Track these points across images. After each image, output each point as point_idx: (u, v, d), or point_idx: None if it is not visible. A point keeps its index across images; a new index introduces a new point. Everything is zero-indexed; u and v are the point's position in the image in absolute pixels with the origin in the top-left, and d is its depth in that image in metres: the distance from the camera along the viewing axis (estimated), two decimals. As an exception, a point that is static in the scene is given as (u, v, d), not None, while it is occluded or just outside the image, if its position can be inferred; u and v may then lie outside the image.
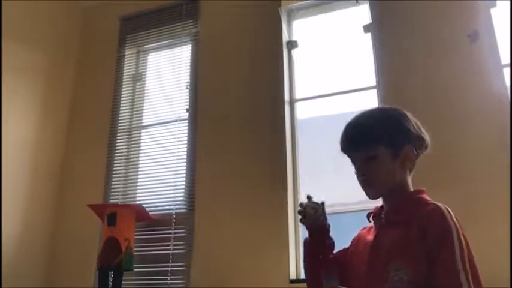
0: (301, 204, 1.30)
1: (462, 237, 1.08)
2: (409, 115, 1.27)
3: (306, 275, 1.37)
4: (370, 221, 1.30)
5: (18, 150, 3.22)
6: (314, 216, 1.26)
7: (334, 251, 1.33)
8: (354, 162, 1.27)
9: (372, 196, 1.25)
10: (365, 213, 1.34)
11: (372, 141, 1.22)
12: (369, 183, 1.23)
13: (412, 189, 1.25)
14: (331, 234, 1.33)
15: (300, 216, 1.30)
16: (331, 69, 3.33)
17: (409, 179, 1.26)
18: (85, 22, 3.95)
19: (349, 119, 1.31)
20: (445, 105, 2.59)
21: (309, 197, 1.30)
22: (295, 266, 2.71)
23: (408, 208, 1.19)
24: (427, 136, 1.27)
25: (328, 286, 1.06)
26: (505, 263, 2.11)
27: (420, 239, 1.09)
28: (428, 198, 1.22)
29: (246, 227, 2.83)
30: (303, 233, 2.80)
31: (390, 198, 1.25)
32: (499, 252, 2.15)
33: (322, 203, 1.28)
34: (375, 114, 1.30)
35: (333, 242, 1.33)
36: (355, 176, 1.28)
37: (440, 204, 1.14)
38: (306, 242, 1.35)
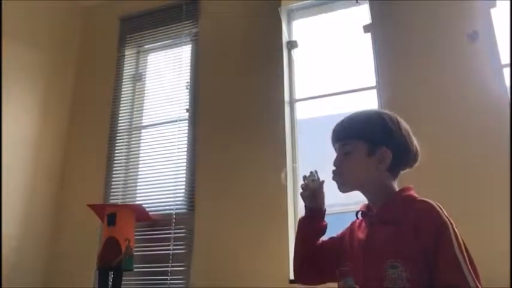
0: (305, 177, 1.38)
1: (456, 230, 1.10)
2: (401, 122, 1.28)
3: (295, 249, 1.42)
4: (358, 218, 1.32)
5: (18, 150, 3.22)
6: (314, 184, 1.35)
7: (324, 238, 1.39)
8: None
9: (342, 188, 1.28)
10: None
11: (350, 134, 1.26)
12: (338, 174, 1.27)
13: (396, 186, 1.26)
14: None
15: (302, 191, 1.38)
16: (331, 69, 3.33)
17: (392, 182, 1.26)
18: (85, 22, 3.95)
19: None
20: (445, 105, 2.59)
21: (311, 173, 1.38)
22: (295, 266, 2.70)
23: (398, 206, 1.20)
24: (415, 148, 1.27)
25: (346, 286, 1.08)
26: (504, 263, 2.11)
27: (415, 236, 1.10)
28: (416, 195, 1.22)
29: (246, 227, 2.83)
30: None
31: (373, 197, 1.26)
32: (499, 252, 2.15)
33: (316, 171, 1.37)
34: (364, 113, 1.32)
35: (326, 225, 1.39)
36: None
37: (430, 201, 1.15)
38: (300, 221, 1.41)
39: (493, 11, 2.68)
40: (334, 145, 1.32)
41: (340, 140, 1.28)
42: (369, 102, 2.91)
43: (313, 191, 1.36)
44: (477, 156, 2.44)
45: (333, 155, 1.31)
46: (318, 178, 1.36)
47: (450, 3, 2.74)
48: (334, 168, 1.28)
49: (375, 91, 2.86)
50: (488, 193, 2.35)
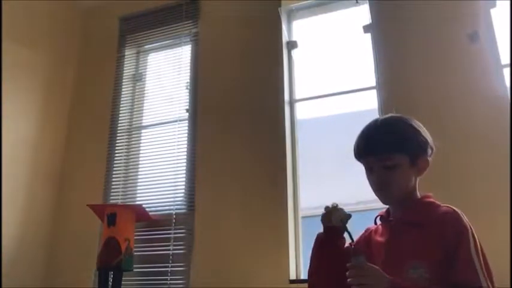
0: (326, 207, 1.31)
1: (475, 236, 1.15)
2: (424, 128, 1.30)
3: (310, 265, 1.38)
4: (376, 223, 1.33)
5: (18, 151, 3.22)
6: (338, 224, 1.28)
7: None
8: (369, 167, 1.28)
9: (386, 201, 1.29)
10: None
11: (394, 148, 1.24)
12: (385, 190, 1.26)
13: (419, 193, 1.29)
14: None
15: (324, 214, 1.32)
16: (331, 70, 3.34)
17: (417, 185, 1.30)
18: (85, 22, 3.95)
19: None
20: (445, 105, 2.59)
21: (335, 206, 1.31)
22: (295, 266, 2.71)
23: (422, 211, 1.24)
24: (433, 144, 1.31)
25: (357, 263, 1.10)
26: (504, 262, 2.11)
27: (439, 239, 1.14)
28: (437, 201, 1.27)
29: (246, 227, 2.83)
30: (303, 233, 2.80)
31: (400, 202, 1.28)
32: (499, 252, 2.15)
33: (349, 215, 1.29)
34: (394, 123, 1.31)
35: (344, 242, 1.35)
36: (358, 178, 1.30)
37: (453, 207, 1.21)
38: (318, 236, 1.36)
39: (493, 11, 2.68)
40: (366, 158, 1.28)
41: (379, 154, 1.25)
42: (369, 102, 2.92)
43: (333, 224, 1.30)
44: (477, 156, 2.44)
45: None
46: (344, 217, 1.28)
47: (450, 3, 2.74)
48: (376, 183, 1.26)
49: (374, 91, 2.86)
50: (488, 193, 2.35)
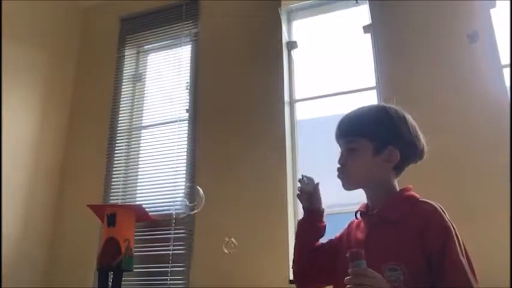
0: (299, 180, 1.36)
1: (458, 233, 1.10)
2: (409, 118, 1.26)
3: (295, 251, 1.39)
4: (357, 218, 1.30)
5: (18, 151, 3.22)
6: (308, 187, 1.34)
7: (323, 241, 1.37)
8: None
9: (346, 186, 1.26)
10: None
11: (356, 131, 1.24)
12: (342, 171, 1.25)
13: (398, 188, 1.24)
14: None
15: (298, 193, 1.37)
16: (331, 70, 3.34)
17: (394, 180, 1.25)
18: (85, 22, 3.95)
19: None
20: (444, 106, 2.59)
21: (304, 176, 1.37)
22: (295, 266, 2.70)
23: (400, 207, 1.18)
24: (422, 144, 1.25)
25: (359, 270, 1.02)
26: (504, 262, 2.11)
27: (418, 239, 1.08)
28: (417, 195, 1.21)
29: (246, 227, 2.83)
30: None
31: (375, 196, 1.25)
32: (499, 252, 2.15)
33: (305, 176, 1.36)
34: (371, 110, 1.30)
35: (325, 225, 1.37)
36: None
37: (433, 203, 1.14)
38: (299, 222, 1.39)
39: (493, 11, 2.68)
40: (338, 141, 1.29)
41: (346, 136, 1.25)
42: (369, 102, 2.91)
43: (309, 193, 1.35)
44: (477, 156, 2.44)
45: (333, 154, 1.31)
46: (312, 180, 1.35)
47: (450, 3, 2.74)
48: (338, 165, 1.26)
49: (374, 91, 2.86)
50: (489, 193, 2.35)
